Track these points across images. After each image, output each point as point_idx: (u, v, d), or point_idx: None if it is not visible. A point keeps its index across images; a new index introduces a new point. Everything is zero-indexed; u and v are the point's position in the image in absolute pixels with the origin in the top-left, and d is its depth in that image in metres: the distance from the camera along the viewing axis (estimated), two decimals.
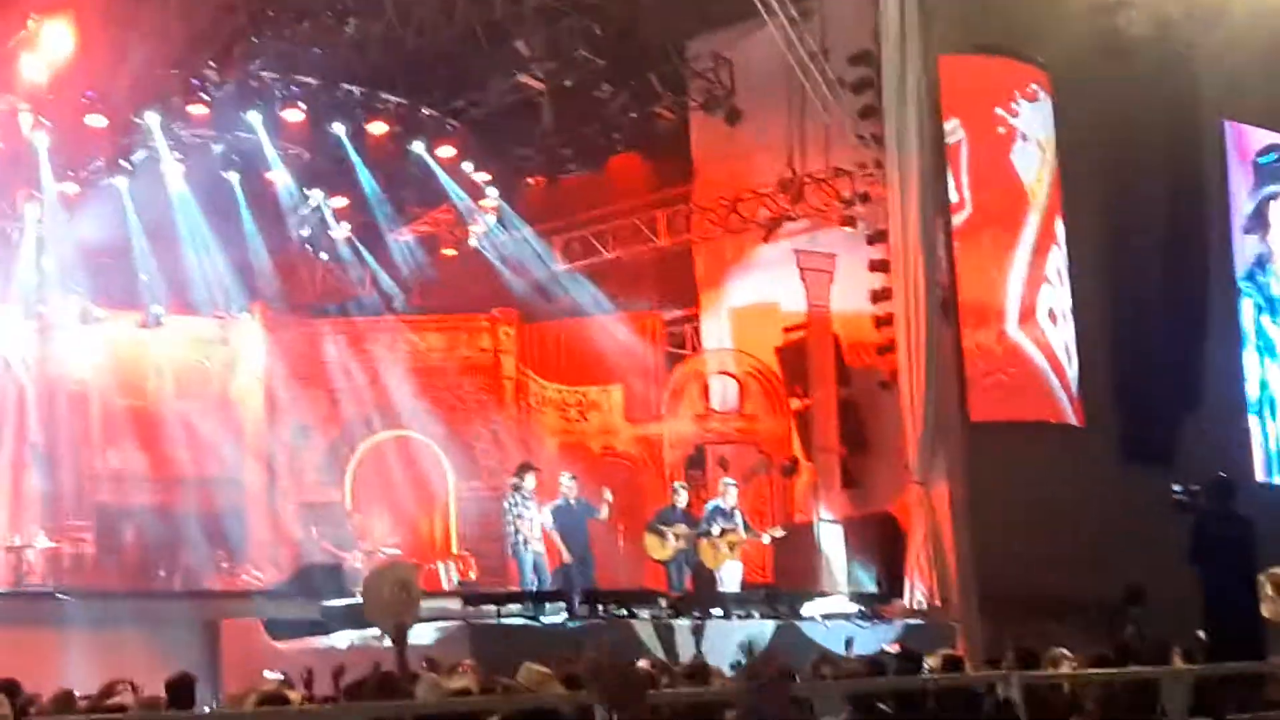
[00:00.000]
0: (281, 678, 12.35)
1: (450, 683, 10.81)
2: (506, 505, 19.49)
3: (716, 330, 24.98)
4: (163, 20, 20.31)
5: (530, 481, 19.65)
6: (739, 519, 20.29)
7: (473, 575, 22.69)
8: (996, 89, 22.58)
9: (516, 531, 19.32)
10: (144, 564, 22.39)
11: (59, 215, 22.05)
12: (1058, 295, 22.71)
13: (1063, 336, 22.66)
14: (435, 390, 24.77)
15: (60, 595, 18.57)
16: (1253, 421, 25.53)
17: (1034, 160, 22.72)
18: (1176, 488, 12.70)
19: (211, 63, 21.02)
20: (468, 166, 23.76)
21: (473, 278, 25.73)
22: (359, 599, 14.46)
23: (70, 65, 19.57)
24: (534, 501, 19.61)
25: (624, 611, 17.58)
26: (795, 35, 21.73)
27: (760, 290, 24.11)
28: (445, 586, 21.71)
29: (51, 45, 19.26)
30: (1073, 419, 22.54)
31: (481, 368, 25.16)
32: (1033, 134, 22.70)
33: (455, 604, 18.27)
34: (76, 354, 23.18)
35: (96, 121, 21.20)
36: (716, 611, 18.27)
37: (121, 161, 21.93)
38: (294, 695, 10.83)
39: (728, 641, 16.63)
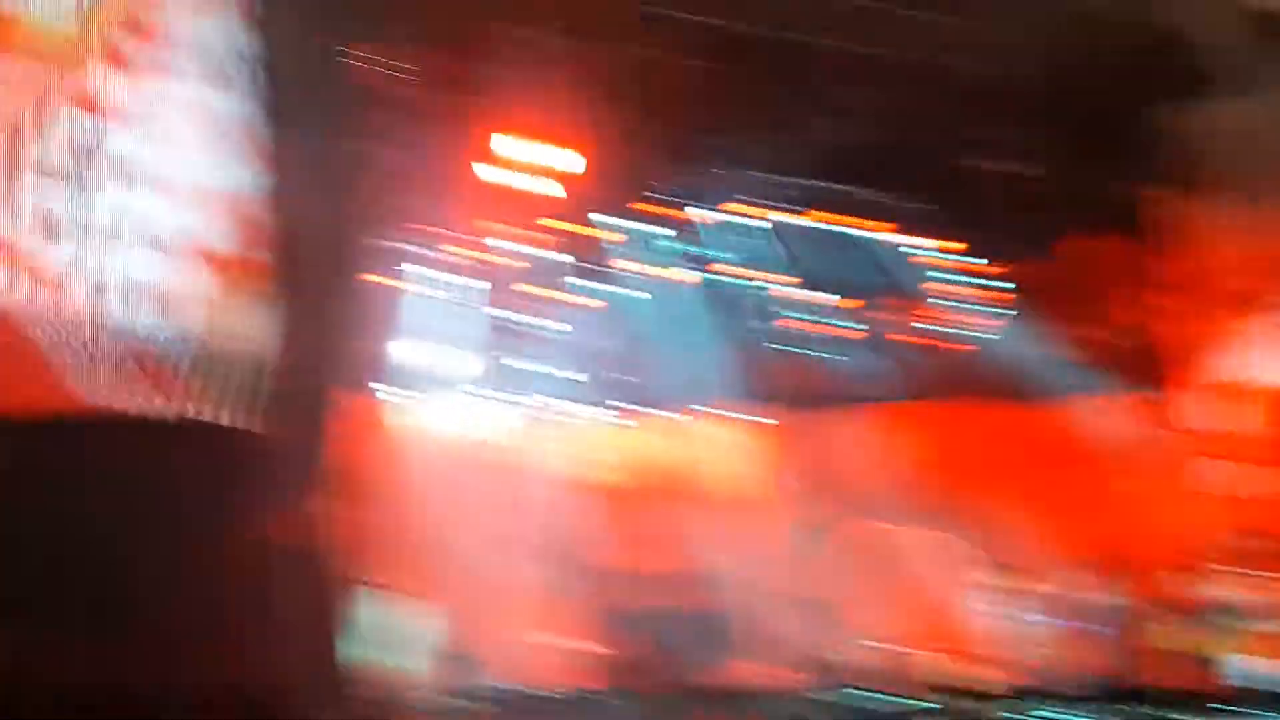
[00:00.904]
0: None
1: None
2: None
3: (1199, 409, 23.88)
4: (628, 124, 21.05)
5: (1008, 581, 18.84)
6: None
7: (992, 673, 22.28)
8: None
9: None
10: (658, 664, 22.87)
11: None
12: None
13: None
14: (927, 480, 24.59)
15: (589, 698, 19.33)
16: None
17: None
18: None
19: (672, 164, 21.66)
20: (929, 251, 23.55)
21: (939, 363, 25.50)
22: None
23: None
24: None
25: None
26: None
27: (1243, 367, 22.98)
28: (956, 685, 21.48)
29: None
30: None
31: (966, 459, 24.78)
32: None
33: (968, 703, 18.07)
34: (572, 450, 24.22)
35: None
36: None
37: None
38: None
39: None
